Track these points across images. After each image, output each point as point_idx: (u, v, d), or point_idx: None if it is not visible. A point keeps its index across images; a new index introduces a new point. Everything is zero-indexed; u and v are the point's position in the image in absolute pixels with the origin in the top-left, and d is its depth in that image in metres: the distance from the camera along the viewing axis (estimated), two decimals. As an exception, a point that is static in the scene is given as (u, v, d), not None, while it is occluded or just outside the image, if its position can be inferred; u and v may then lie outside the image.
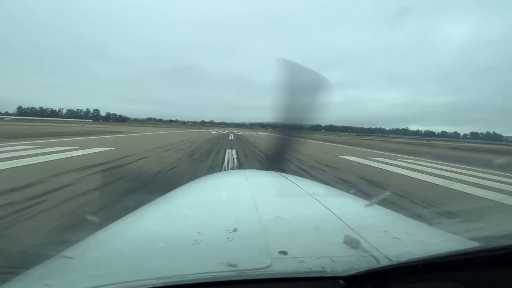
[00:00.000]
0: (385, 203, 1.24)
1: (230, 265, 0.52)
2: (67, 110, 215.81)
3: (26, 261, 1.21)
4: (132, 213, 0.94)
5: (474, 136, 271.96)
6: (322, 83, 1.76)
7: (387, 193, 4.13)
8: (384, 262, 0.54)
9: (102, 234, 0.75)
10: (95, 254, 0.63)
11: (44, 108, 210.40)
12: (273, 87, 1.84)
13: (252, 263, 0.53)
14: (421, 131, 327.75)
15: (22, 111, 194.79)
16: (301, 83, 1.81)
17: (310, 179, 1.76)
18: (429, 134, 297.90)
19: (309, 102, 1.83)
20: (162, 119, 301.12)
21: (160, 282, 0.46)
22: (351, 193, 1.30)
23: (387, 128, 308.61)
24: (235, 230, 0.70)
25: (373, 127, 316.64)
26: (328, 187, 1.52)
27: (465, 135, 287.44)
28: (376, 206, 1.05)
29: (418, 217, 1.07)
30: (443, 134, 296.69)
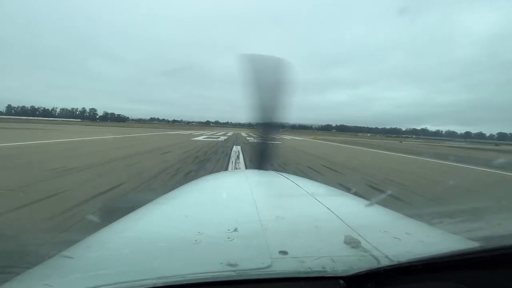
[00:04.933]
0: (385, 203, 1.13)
1: (231, 265, 0.52)
2: (60, 109, 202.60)
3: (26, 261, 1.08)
4: (132, 213, 0.94)
5: (502, 136, 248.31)
6: (282, 64, 1.77)
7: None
8: (384, 262, 0.55)
9: (102, 234, 0.75)
10: (95, 254, 0.64)
11: (36, 107, 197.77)
12: (240, 85, 1.78)
13: (252, 263, 0.54)
14: (441, 131, 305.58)
15: (11, 110, 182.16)
16: (264, 71, 1.79)
17: (311, 179, 1.73)
18: (451, 135, 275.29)
19: (277, 91, 1.81)
20: (166, 119, 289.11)
21: (160, 282, 0.46)
22: (352, 193, 1.30)
23: (403, 129, 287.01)
24: (235, 230, 0.70)
25: (387, 127, 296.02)
26: (328, 187, 1.50)
27: (491, 135, 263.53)
28: (376, 206, 1.05)
29: (418, 216, 0.96)
30: (467, 135, 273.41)
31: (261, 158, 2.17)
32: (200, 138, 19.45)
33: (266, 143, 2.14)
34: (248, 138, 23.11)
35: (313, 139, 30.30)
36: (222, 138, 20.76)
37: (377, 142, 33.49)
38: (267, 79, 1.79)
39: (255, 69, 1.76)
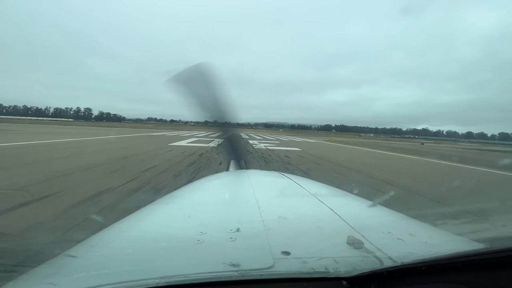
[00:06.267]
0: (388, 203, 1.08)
1: (233, 265, 0.52)
2: (54, 108, 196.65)
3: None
4: (135, 213, 0.94)
5: (503, 137, 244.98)
6: (205, 68, 1.82)
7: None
8: (387, 263, 0.54)
9: (106, 234, 0.76)
10: (99, 253, 0.64)
11: (28, 106, 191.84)
12: (178, 98, 1.87)
13: (254, 263, 0.54)
14: (442, 131, 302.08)
15: (2, 110, 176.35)
16: (193, 81, 1.85)
17: (313, 179, 1.74)
18: (452, 135, 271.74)
19: (214, 93, 1.88)
20: (164, 119, 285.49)
21: (162, 282, 0.47)
22: (354, 194, 1.28)
23: (404, 129, 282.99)
24: (237, 230, 0.70)
25: (387, 127, 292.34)
26: (331, 187, 1.48)
27: (493, 136, 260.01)
28: (379, 206, 1.03)
29: (421, 217, 0.93)
30: (469, 135, 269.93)
31: (235, 153, 2.22)
32: (184, 142, 13.26)
33: (232, 139, 2.18)
34: (251, 141, 17.74)
35: (329, 141, 25.27)
36: (216, 142, 15.29)
37: (401, 144, 28.53)
38: (200, 87, 1.83)
39: (185, 84, 1.81)
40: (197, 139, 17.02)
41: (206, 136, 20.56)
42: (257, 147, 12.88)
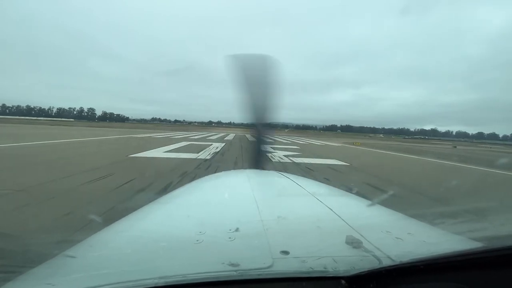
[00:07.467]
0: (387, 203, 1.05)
1: (232, 264, 0.52)
2: (57, 108, 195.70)
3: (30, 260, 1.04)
4: (134, 212, 0.94)
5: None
6: (269, 62, 1.77)
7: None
8: (386, 262, 0.55)
9: (105, 234, 0.76)
10: (98, 253, 0.64)
11: (32, 106, 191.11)
12: (231, 84, 1.76)
13: (254, 263, 0.54)
14: (452, 132, 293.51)
15: (5, 110, 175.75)
16: (253, 70, 1.79)
17: (312, 179, 1.69)
18: (463, 136, 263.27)
19: (267, 90, 1.80)
20: (168, 119, 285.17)
21: (161, 282, 0.47)
22: (353, 193, 1.28)
23: (412, 129, 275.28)
24: (237, 229, 0.70)
25: (394, 127, 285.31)
26: (330, 187, 1.48)
27: (505, 136, 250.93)
28: (378, 206, 1.03)
29: (420, 217, 0.91)
30: (480, 135, 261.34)
31: (258, 158, 2.13)
32: (159, 151, 8.68)
33: (261, 144, 2.08)
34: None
35: (354, 144, 20.83)
36: (213, 148, 10.93)
37: (435, 148, 23.94)
38: (256, 78, 1.77)
39: (243, 68, 1.74)
40: (188, 143, 12.84)
41: (204, 139, 16.39)
42: (275, 159, 8.52)
